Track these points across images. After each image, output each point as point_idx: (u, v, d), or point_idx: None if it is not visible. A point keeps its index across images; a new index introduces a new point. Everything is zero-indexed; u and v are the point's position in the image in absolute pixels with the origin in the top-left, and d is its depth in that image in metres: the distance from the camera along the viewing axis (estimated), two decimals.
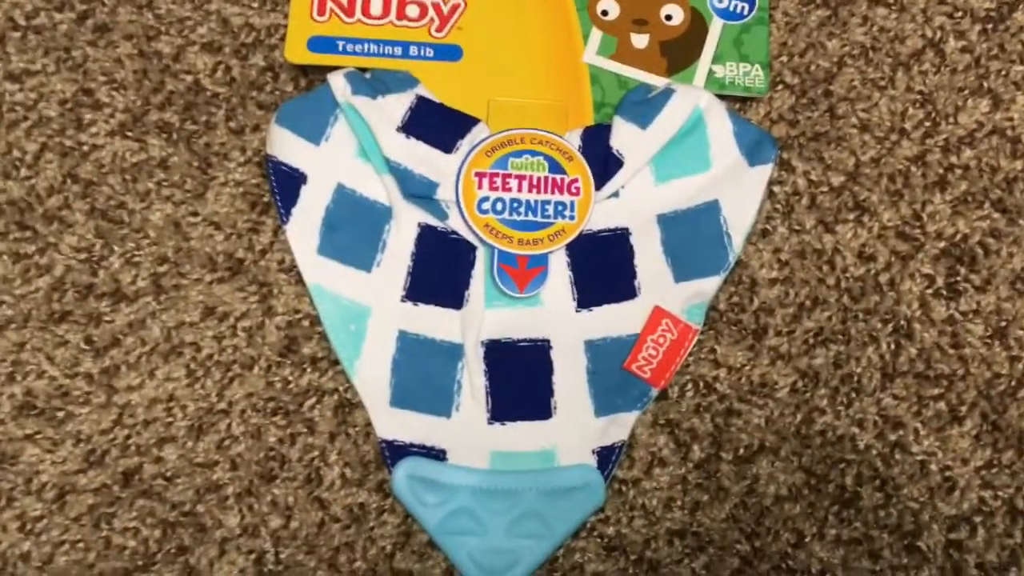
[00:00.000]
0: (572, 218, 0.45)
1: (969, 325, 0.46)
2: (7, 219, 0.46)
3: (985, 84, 0.49)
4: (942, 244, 0.47)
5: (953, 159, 0.48)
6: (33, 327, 0.45)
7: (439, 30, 0.48)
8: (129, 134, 0.47)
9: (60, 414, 0.45)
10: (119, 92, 0.48)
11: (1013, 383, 0.46)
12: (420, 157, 0.45)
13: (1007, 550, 0.44)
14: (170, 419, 0.45)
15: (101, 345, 0.45)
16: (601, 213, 0.46)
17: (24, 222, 0.46)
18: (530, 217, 0.45)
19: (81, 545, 0.44)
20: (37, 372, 0.45)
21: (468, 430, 0.45)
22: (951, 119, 0.48)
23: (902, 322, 0.46)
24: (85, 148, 0.47)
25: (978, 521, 0.45)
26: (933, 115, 0.48)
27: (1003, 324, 0.46)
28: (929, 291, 0.47)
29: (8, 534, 0.43)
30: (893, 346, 0.46)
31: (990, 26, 0.49)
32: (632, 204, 0.46)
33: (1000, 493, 0.45)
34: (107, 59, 0.48)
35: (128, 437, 0.45)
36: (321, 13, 0.47)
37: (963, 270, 0.47)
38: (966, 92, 0.48)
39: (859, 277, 0.47)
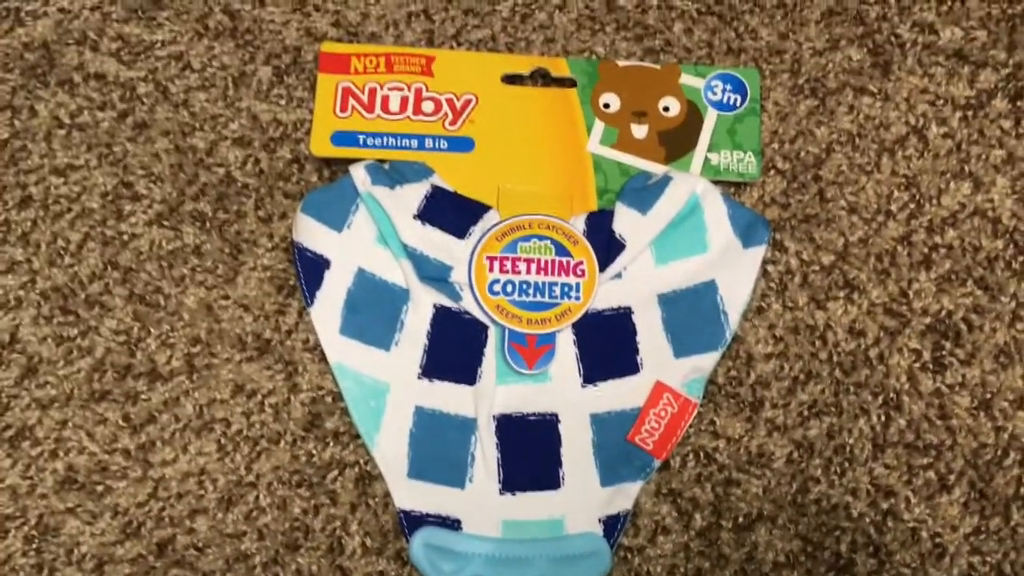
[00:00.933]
0: (578, 298, 0.47)
1: (955, 397, 0.48)
2: (51, 304, 0.49)
3: (966, 168, 0.51)
4: (928, 320, 0.49)
5: (937, 239, 0.50)
6: (75, 406, 0.48)
7: (452, 124, 0.50)
8: (165, 223, 0.50)
9: (99, 488, 0.47)
10: (156, 184, 0.50)
11: (999, 452, 0.47)
12: (435, 242, 0.47)
13: None
14: (202, 492, 0.47)
15: (138, 422, 0.47)
16: (605, 293, 0.48)
17: (67, 307, 0.49)
18: (538, 298, 0.47)
19: None
20: (78, 448, 0.47)
21: (481, 500, 0.46)
22: (935, 201, 0.50)
23: (891, 395, 0.48)
24: (125, 237, 0.50)
25: None
26: (917, 197, 0.50)
27: (988, 396, 0.48)
28: (916, 365, 0.48)
29: None
30: (883, 418, 0.48)
31: (970, 113, 0.51)
32: (634, 284, 0.48)
33: (988, 558, 0.46)
34: (145, 154, 0.51)
35: (162, 509, 0.46)
36: (344, 110, 0.50)
37: (948, 345, 0.48)
38: (948, 175, 0.50)
39: (850, 352, 0.48)
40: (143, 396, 0.48)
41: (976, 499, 0.47)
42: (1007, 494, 0.47)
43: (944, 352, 0.48)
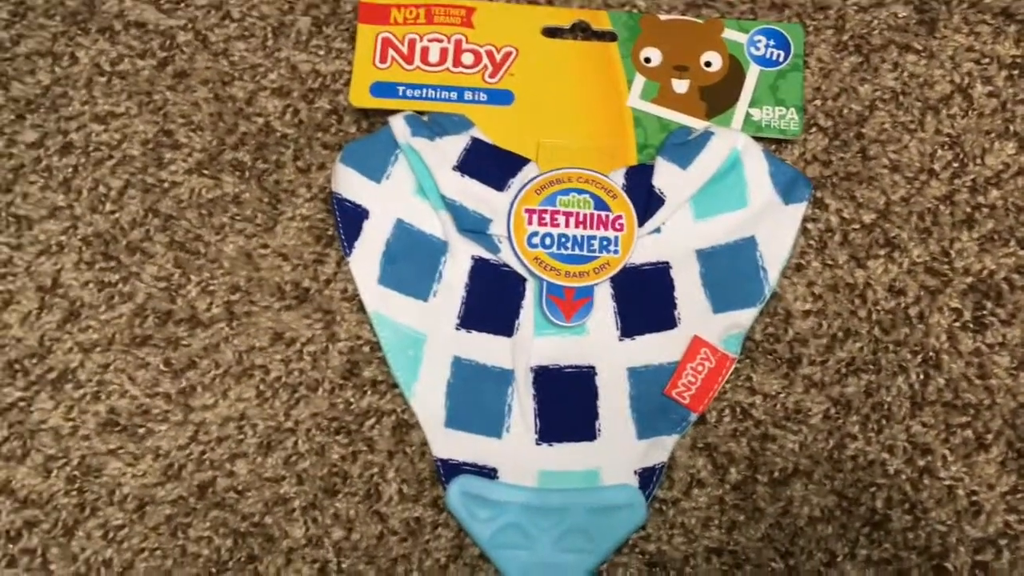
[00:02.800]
0: (616, 252, 0.47)
1: (995, 357, 0.48)
2: (93, 250, 0.49)
3: (1011, 127, 0.50)
4: (969, 280, 0.49)
5: (980, 199, 0.49)
6: (117, 350, 0.48)
7: (492, 76, 0.50)
8: (205, 172, 0.50)
9: (141, 431, 0.47)
10: (196, 133, 0.51)
11: None
12: (474, 195, 0.48)
13: None
14: (241, 436, 0.47)
15: (179, 367, 0.48)
16: (643, 248, 0.48)
17: (109, 253, 0.49)
18: (576, 251, 0.47)
19: (159, 553, 0.46)
20: (120, 391, 0.48)
21: (518, 450, 0.46)
22: (978, 160, 0.50)
23: (931, 353, 0.48)
24: (165, 185, 0.50)
25: (1003, 544, 0.46)
26: (961, 157, 0.50)
27: None
28: (957, 324, 0.48)
29: (92, 541, 0.46)
30: (922, 376, 0.47)
31: (1016, 72, 0.51)
32: (673, 239, 0.48)
33: None
34: (185, 102, 0.51)
35: (203, 453, 0.47)
36: (383, 61, 0.50)
37: (989, 304, 0.48)
38: (993, 135, 0.50)
39: (889, 310, 0.48)
40: (183, 342, 0.48)
41: (1013, 458, 0.47)
42: None
43: (985, 312, 0.48)
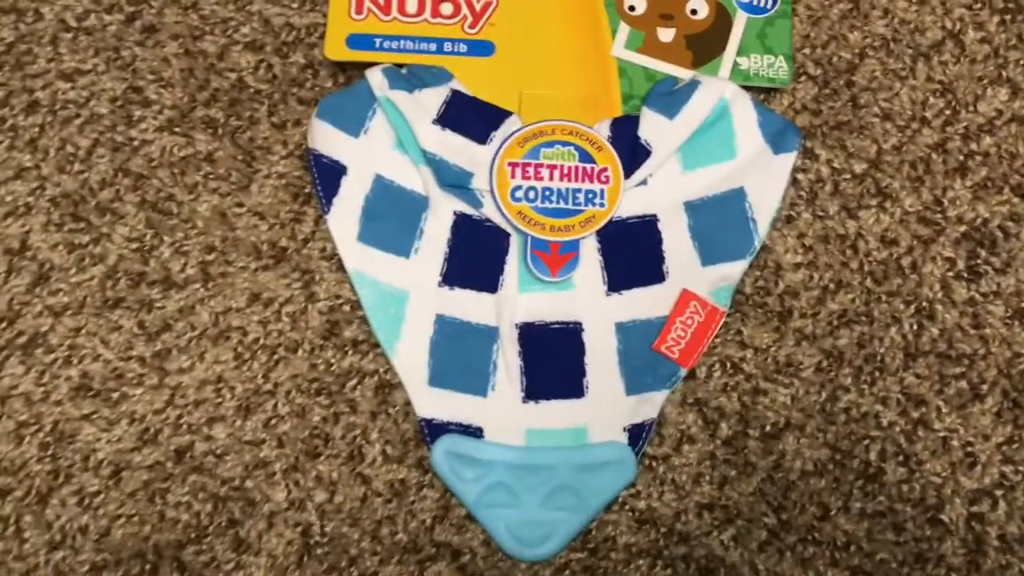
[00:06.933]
0: (602, 205, 0.46)
1: (990, 306, 0.47)
2: (62, 211, 0.48)
3: (1004, 73, 0.49)
4: (963, 228, 0.48)
5: (973, 146, 0.49)
6: (88, 313, 0.47)
7: (472, 27, 0.49)
8: (177, 130, 0.49)
9: (115, 395, 0.46)
10: (167, 90, 0.49)
11: None
12: (455, 148, 0.46)
13: None
14: (219, 399, 0.46)
15: (153, 330, 0.47)
16: (630, 200, 0.47)
17: (78, 214, 0.48)
18: (561, 205, 0.46)
19: (136, 519, 0.45)
20: (93, 355, 0.47)
21: (504, 409, 0.46)
22: (971, 108, 0.49)
23: (924, 303, 0.47)
24: (135, 143, 0.49)
25: (999, 495, 0.45)
26: (953, 104, 0.49)
27: (1022, 305, 0.47)
28: (950, 273, 0.47)
29: (67, 509, 0.45)
30: (915, 327, 0.47)
31: (1008, 17, 0.50)
32: (660, 191, 0.47)
33: (1020, 468, 0.46)
34: (155, 58, 0.50)
35: (180, 417, 0.46)
36: (359, 12, 0.49)
37: (983, 253, 0.48)
38: (985, 81, 0.49)
39: (882, 260, 0.48)
40: (157, 304, 0.47)
41: (1009, 408, 0.46)
42: None
43: (979, 260, 0.48)
